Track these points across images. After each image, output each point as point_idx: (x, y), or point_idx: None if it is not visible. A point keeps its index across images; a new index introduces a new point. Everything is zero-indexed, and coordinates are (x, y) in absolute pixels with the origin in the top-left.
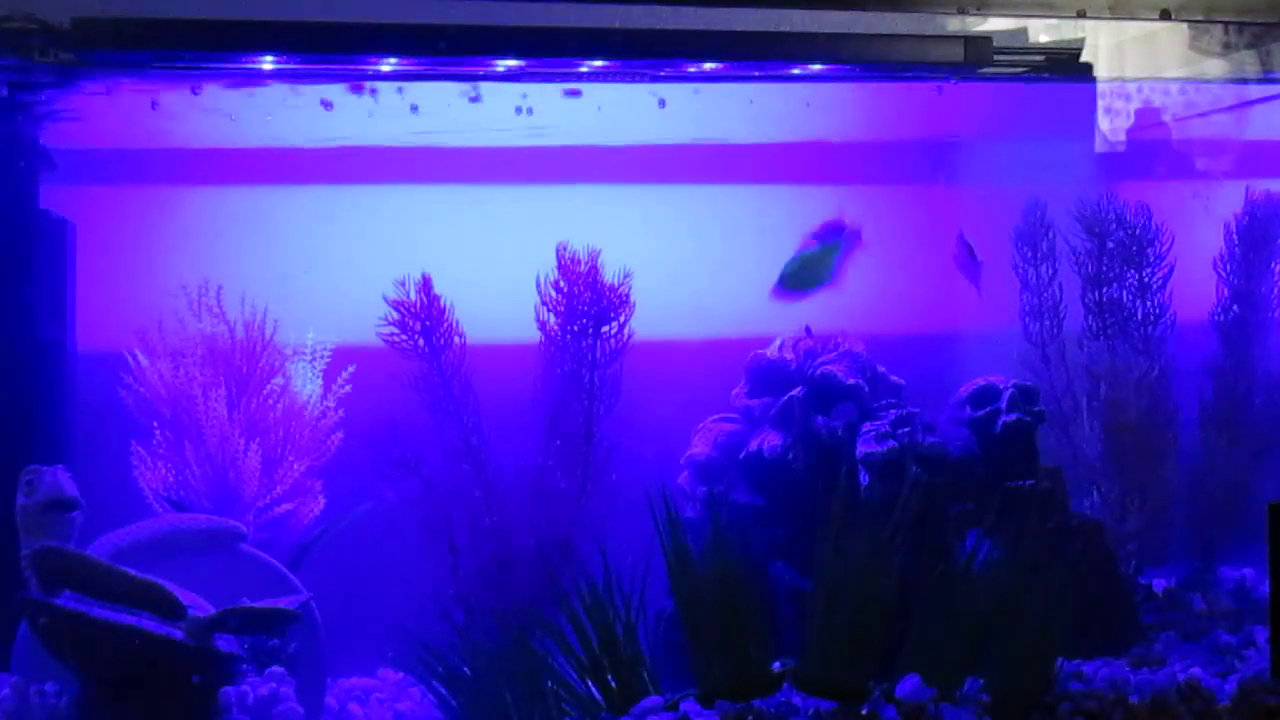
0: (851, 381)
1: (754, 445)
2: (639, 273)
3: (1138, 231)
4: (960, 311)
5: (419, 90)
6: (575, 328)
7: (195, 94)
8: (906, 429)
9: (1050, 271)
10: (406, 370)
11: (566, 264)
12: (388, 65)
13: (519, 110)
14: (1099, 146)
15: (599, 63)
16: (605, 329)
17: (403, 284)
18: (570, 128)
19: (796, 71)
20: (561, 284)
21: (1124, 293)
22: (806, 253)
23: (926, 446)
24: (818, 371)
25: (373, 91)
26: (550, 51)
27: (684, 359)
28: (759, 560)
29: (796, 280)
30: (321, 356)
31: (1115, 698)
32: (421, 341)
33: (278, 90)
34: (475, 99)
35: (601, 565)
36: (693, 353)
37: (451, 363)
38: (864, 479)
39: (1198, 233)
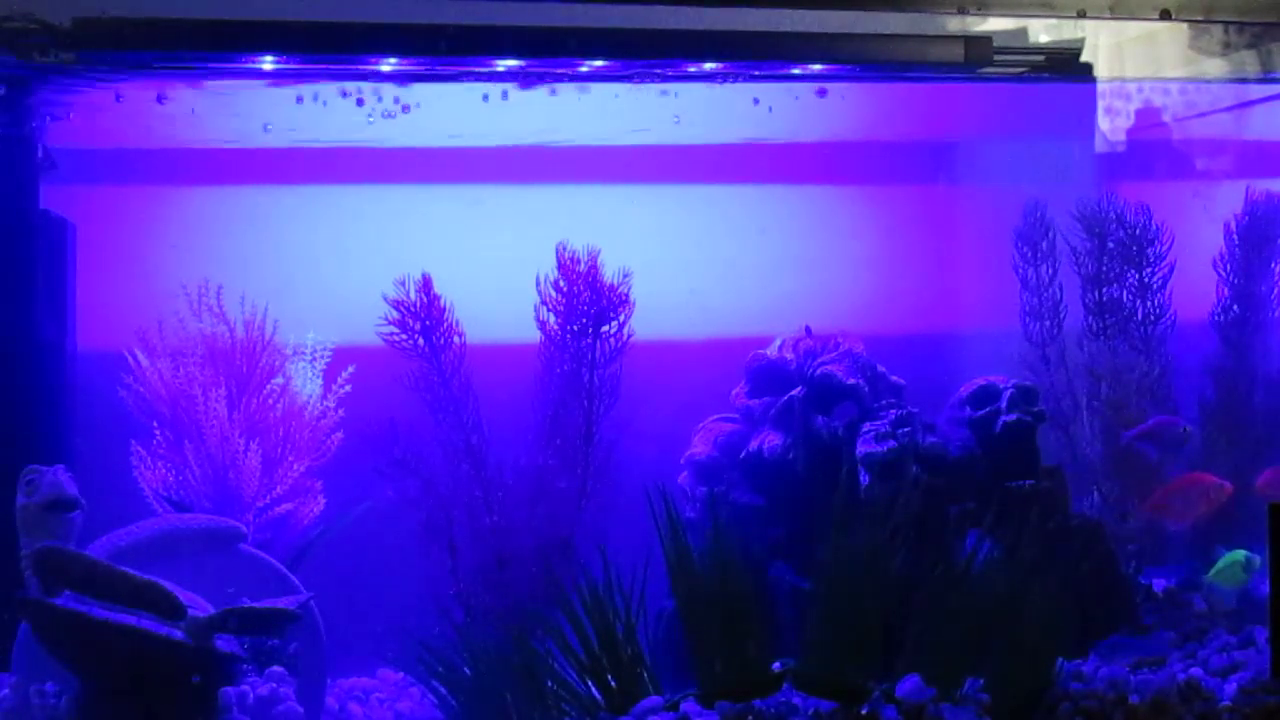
0: (851, 381)
1: (754, 445)
2: (639, 273)
3: (1138, 231)
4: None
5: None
6: (575, 327)
7: (178, 95)
8: (906, 429)
9: (1050, 271)
10: (406, 370)
11: (566, 263)
12: (388, 65)
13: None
14: (1099, 146)
15: (599, 62)
16: (605, 329)
17: (402, 284)
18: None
19: (797, 71)
20: (561, 283)
21: (1124, 292)
22: None
23: (926, 446)
24: (818, 371)
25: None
26: (550, 51)
27: (684, 359)
28: (759, 560)
29: None
30: (321, 356)
31: (1115, 698)
32: (421, 341)
33: (278, 89)
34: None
35: (601, 565)
36: (693, 352)
37: (451, 363)
38: (864, 479)
39: (1198, 233)
